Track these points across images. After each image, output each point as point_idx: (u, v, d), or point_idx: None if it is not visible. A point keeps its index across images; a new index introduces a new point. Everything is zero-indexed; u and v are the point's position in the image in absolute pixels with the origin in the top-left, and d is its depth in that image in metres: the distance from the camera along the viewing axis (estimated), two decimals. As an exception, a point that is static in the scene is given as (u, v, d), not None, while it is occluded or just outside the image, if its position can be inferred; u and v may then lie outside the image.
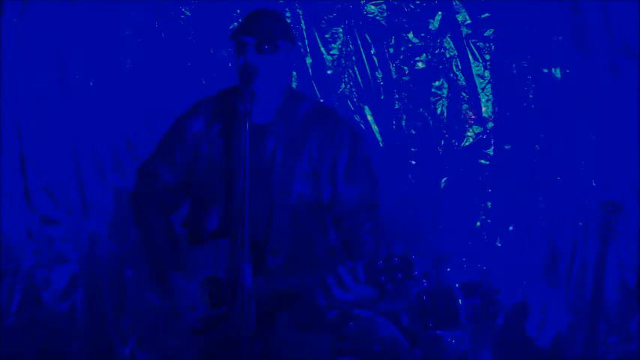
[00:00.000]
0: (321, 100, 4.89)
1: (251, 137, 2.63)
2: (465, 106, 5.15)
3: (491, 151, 5.15)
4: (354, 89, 5.16)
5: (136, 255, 4.84)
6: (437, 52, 5.13)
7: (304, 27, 5.11)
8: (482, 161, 5.15)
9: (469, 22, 5.11)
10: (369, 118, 5.15)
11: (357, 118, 5.14)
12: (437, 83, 5.15)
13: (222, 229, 2.97)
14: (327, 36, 5.14)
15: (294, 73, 5.09)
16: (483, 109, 5.14)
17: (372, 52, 5.13)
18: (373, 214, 3.05)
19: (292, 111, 3.02)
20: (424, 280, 2.73)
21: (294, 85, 5.06)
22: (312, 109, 3.08)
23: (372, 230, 3.02)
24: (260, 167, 2.93)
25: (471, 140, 5.15)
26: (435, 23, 5.11)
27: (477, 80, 5.12)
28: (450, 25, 5.11)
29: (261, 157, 2.95)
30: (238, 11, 5.00)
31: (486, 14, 5.10)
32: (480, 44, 5.11)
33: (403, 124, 5.16)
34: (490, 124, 5.14)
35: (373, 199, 3.08)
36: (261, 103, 2.92)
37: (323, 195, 3.03)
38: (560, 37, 5.06)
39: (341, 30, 5.14)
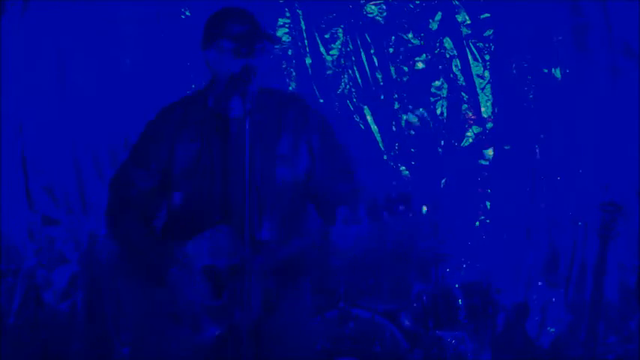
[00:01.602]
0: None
1: (232, 132, 2.64)
2: (465, 106, 5.15)
3: (491, 151, 5.15)
4: (353, 89, 5.16)
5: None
6: (437, 52, 5.13)
7: (304, 27, 5.11)
8: (482, 161, 5.15)
9: (469, 22, 5.11)
10: (369, 118, 5.15)
11: (356, 118, 5.14)
12: (437, 83, 5.15)
13: (213, 221, 2.98)
14: (327, 36, 5.14)
15: (294, 73, 5.11)
16: (483, 109, 5.14)
17: (372, 52, 5.13)
18: (349, 180, 3.07)
19: (264, 101, 3.04)
20: (425, 208, 2.79)
21: (293, 84, 5.07)
22: (281, 98, 3.10)
23: (349, 192, 3.03)
24: (241, 159, 2.95)
25: (470, 140, 5.15)
26: (434, 23, 5.11)
27: (477, 80, 5.12)
28: (449, 25, 5.11)
29: (241, 149, 2.97)
30: (238, 11, 5.00)
31: (486, 14, 5.10)
32: (480, 44, 5.11)
33: (403, 124, 5.16)
34: (490, 124, 5.14)
35: (347, 170, 3.09)
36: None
37: (302, 178, 3.06)
38: (560, 37, 5.07)
39: (341, 30, 5.14)
